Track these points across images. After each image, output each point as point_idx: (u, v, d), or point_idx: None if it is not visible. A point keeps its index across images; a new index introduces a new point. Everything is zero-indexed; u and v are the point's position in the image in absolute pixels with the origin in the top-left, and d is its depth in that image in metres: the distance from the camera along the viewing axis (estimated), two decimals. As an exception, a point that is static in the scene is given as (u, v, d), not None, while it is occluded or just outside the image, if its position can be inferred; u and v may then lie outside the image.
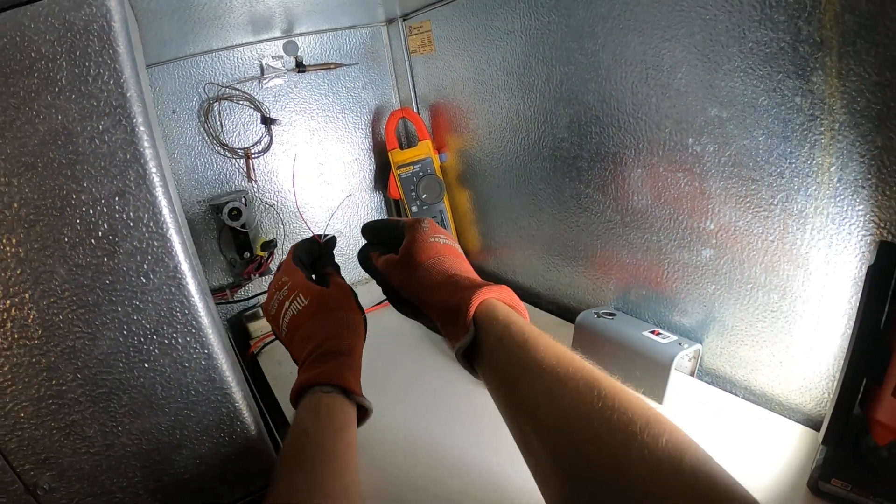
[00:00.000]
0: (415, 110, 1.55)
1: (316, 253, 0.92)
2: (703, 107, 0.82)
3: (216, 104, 1.38)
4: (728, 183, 0.82)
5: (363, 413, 0.70)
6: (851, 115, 0.66)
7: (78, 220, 0.58)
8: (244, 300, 1.49)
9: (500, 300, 0.66)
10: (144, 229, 0.60)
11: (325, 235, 0.93)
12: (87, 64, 0.56)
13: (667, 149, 0.90)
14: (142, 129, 0.59)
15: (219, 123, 1.39)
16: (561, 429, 0.51)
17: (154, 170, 0.60)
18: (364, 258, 0.86)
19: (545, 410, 0.53)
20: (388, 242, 0.84)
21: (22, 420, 0.59)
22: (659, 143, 0.91)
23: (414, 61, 1.51)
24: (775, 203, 0.77)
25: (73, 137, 0.56)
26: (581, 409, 0.50)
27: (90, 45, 0.56)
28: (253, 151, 1.44)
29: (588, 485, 0.47)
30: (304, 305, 0.77)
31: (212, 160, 1.42)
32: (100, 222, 0.58)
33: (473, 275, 0.74)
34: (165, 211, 0.61)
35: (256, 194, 1.47)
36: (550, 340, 0.59)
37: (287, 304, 0.79)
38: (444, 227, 1.48)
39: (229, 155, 1.42)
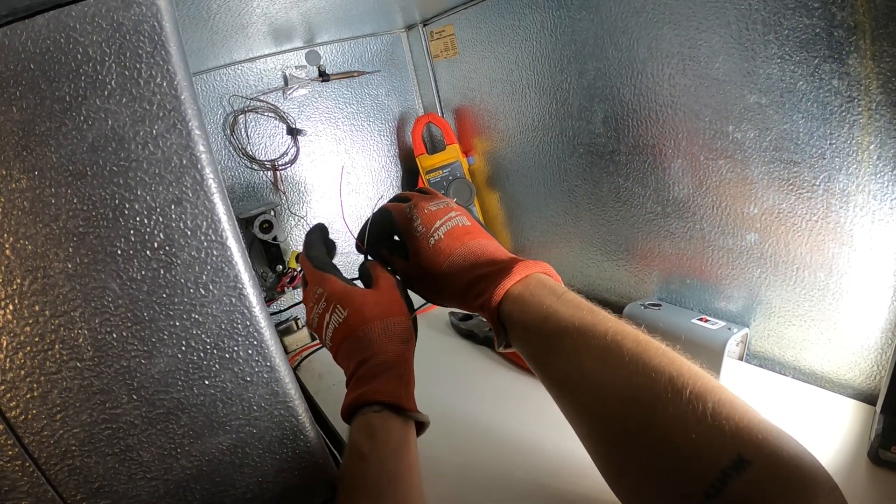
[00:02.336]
0: (440, 115, 1.59)
1: (331, 243, 0.89)
2: (741, 94, 0.86)
3: (241, 117, 1.42)
4: (770, 167, 0.86)
5: (420, 426, 0.69)
6: (887, 94, 0.70)
7: (132, 231, 0.55)
8: (277, 313, 1.52)
9: (520, 280, 0.68)
10: (203, 238, 0.57)
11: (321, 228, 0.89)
12: (137, 66, 0.54)
13: (707, 137, 0.93)
14: (197, 132, 0.57)
15: (245, 136, 1.43)
16: (594, 401, 0.57)
17: (211, 175, 0.58)
18: (375, 255, 0.86)
19: (577, 387, 0.59)
20: (390, 237, 0.86)
21: (73, 448, 0.57)
22: (699, 132, 0.94)
23: (437, 66, 1.55)
24: (818, 183, 0.81)
25: (124, 143, 0.54)
26: (608, 380, 0.55)
27: (141, 46, 0.54)
28: (280, 163, 1.49)
29: (624, 444, 0.53)
30: (344, 317, 0.72)
31: (239, 173, 1.45)
32: (156, 232, 0.55)
33: (486, 253, 0.75)
34: (224, 218, 0.58)
35: (285, 206, 1.51)
36: (570, 306, 0.62)
37: (328, 317, 0.74)
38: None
39: (256, 167, 1.47)
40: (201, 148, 0.57)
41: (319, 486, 0.72)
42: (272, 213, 1.42)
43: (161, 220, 0.56)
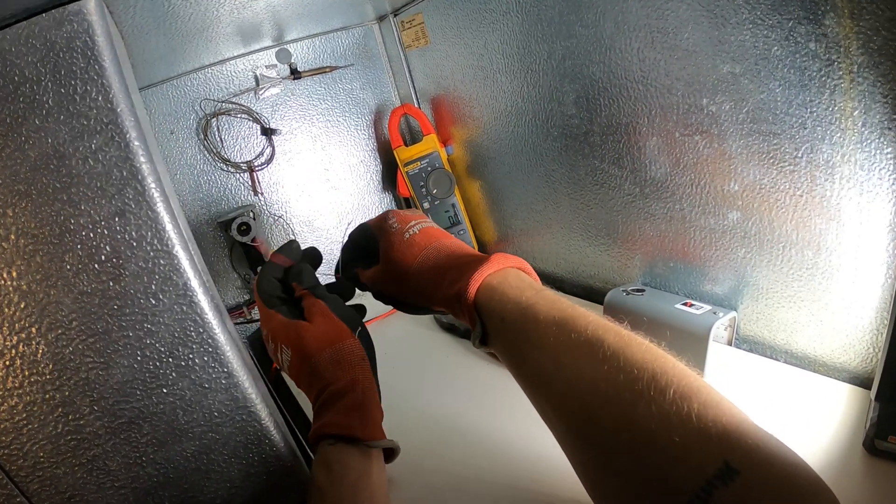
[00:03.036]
0: (416, 105, 1.55)
1: (285, 274, 0.80)
2: (714, 64, 0.81)
3: (214, 120, 1.38)
4: (748, 140, 0.81)
5: (389, 452, 0.68)
6: (869, 54, 0.65)
7: (79, 246, 0.57)
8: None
9: (498, 270, 0.64)
10: (149, 248, 0.59)
11: (284, 247, 0.83)
12: (73, 82, 0.55)
13: (681, 112, 0.89)
14: (136, 143, 0.58)
15: (218, 139, 1.40)
16: (571, 396, 0.52)
17: (153, 185, 0.59)
18: (350, 276, 0.82)
19: (554, 381, 0.54)
20: (365, 252, 0.81)
21: (42, 459, 0.58)
22: (672, 107, 0.90)
23: (410, 56, 1.50)
24: (800, 155, 0.76)
25: (65, 160, 0.56)
26: (587, 375, 0.51)
27: (75, 63, 0.55)
28: (256, 164, 1.45)
29: (601, 445, 0.49)
30: (291, 356, 0.70)
31: (215, 177, 1.42)
32: (102, 245, 0.57)
33: (462, 249, 0.72)
34: (169, 227, 0.60)
35: (264, 207, 1.48)
36: (549, 301, 0.58)
37: (279, 356, 0.72)
38: (458, 220, 1.49)
39: (232, 170, 1.43)
40: (141, 159, 0.58)
41: (292, 488, 0.72)
42: (251, 214, 1.38)
43: (106, 233, 0.57)
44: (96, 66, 0.56)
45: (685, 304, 0.95)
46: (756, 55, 0.75)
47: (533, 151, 1.24)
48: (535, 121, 1.19)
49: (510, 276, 0.63)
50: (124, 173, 0.57)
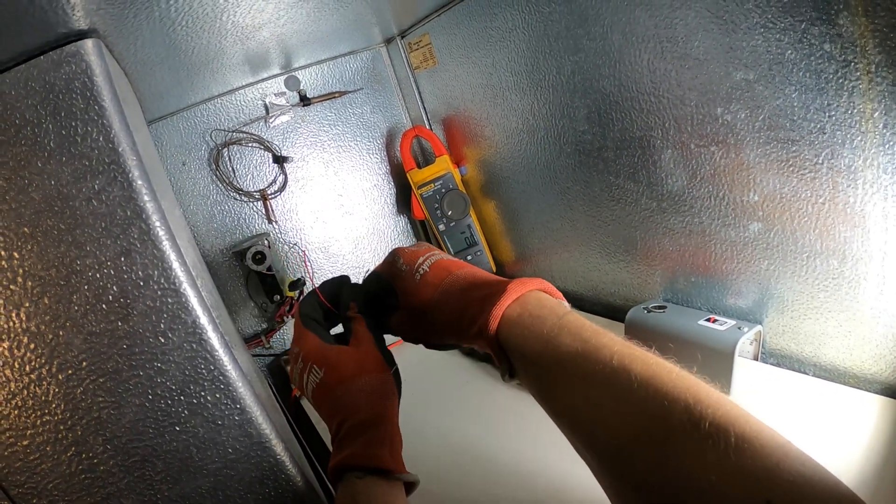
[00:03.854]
0: (427, 127, 1.55)
1: (338, 291, 0.81)
2: (726, 72, 0.80)
3: (225, 150, 1.39)
4: (766, 149, 0.80)
5: (409, 485, 0.66)
6: (887, 53, 0.63)
7: (86, 286, 0.57)
8: (281, 347, 1.49)
9: (517, 299, 0.62)
10: (156, 287, 0.59)
11: (333, 279, 0.83)
12: (73, 124, 0.56)
13: (695, 123, 0.87)
14: (139, 182, 0.58)
15: (230, 169, 1.41)
16: (600, 433, 0.50)
17: (158, 223, 0.59)
18: (379, 325, 0.79)
19: (582, 417, 0.52)
20: (385, 301, 0.79)
21: (56, 498, 0.58)
22: (686, 118, 0.88)
23: (419, 77, 1.50)
24: (820, 161, 0.74)
25: (69, 201, 0.56)
26: (616, 410, 0.48)
27: (74, 104, 0.56)
28: (269, 192, 1.45)
29: (634, 483, 0.46)
30: (321, 378, 0.69)
31: (229, 206, 1.43)
32: (108, 286, 0.57)
33: (478, 277, 0.70)
34: (175, 265, 0.60)
35: (279, 235, 1.48)
36: (572, 330, 0.56)
37: (305, 377, 0.71)
38: (475, 241, 1.48)
39: (246, 199, 1.43)
40: (145, 198, 0.58)
41: None
42: (265, 243, 1.38)
43: (112, 273, 0.57)
44: (96, 107, 0.56)
45: (709, 320, 0.93)
46: (769, 60, 0.74)
47: (547, 169, 1.23)
48: (548, 138, 1.18)
49: (530, 304, 0.61)
50: (128, 213, 0.57)
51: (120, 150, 0.57)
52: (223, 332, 0.66)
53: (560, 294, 0.64)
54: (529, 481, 0.83)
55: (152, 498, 0.62)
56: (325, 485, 0.79)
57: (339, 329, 0.78)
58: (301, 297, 0.80)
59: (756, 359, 0.94)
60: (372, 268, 0.83)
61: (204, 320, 0.61)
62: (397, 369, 0.73)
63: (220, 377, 0.62)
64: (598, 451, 0.50)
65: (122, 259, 0.57)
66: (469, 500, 0.83)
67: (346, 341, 0.73)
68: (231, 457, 0.64)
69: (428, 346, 0.75)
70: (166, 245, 0.59)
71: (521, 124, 1.24)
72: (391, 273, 0.77)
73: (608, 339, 0.53)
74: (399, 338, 0.77)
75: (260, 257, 1.36)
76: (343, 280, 0.82)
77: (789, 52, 0.72)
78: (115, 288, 0.57)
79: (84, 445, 0.58)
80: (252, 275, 1.41)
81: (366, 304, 0.78)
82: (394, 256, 0.77)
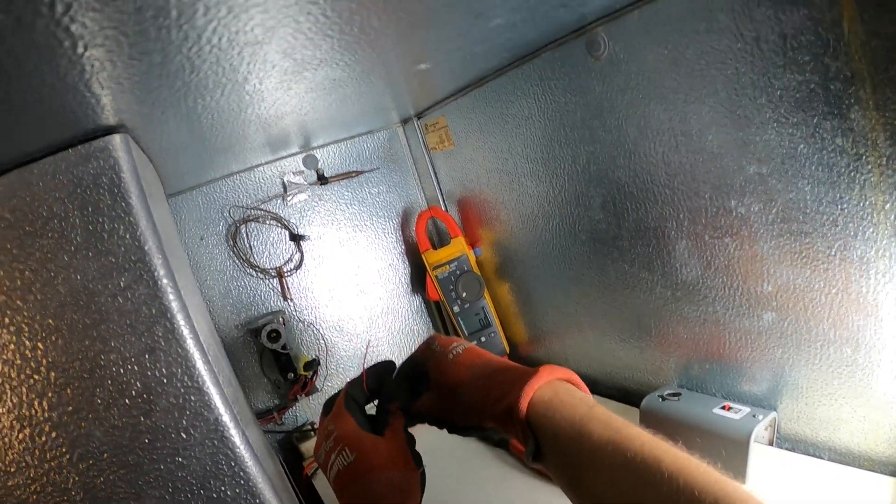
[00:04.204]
0: (443, 208, 1.57)
1: (382, 385, 0.83)
2: (740, 166, 0.82)
3: (243, 226, 1.42)
4: (780, 241, 0.81)
5: None
6: None
7: (109, 381, 0.57)
8: (294, 424, 1.48)
9: (548, 383, 0.63)
10: (179, 385, 0.59)
11: (380, 364, 0.85)
12: (100, 219, 0.57)
13: (709, 215, 0.89)
14: (164, 281, 0.59)
15: (248, 245, 1.43)
16: None
17: (182, 322, 0.60)
18: (406, 413, 0.80)
19: (610, 502, 0.53)
20: (415, 383, 0.80)
21: None
22: (700, 210, 0.90)
23: (435, 158, 1.54)
24: (833, 253, 0.76)
25: (94, 297, 0.57)
26: (645, 498, 0.49)
27: (101, 200, 0.57)
28: (285, 270, 1.47)
29: None
30: (350, 462, 0.69)
31: (245, 283, 1.44)
32: (132, 381, 0.58)
33: (508, 363, 0.72)
34: (199, 363, 0.60)
35: (294, 313, 1.49)
36: (602, 419, 0.57)
37: (333, 456, 0.71)
38: (489, 322, 1.49)
39: (262, 276, 1.45)
40: (170, 296, 0.59)
41: None
42: (280, 320, 1.39)
43: (136, 369, 0.58)
44: (123, 204, 0.58)
45: (723, 408, 0.93)
46: (782, 154, 0.76)
47: (561, 255, 1.24)
48: (563, 225, 1.20)
49: (561, 390, 0.62)
50: (153, 311, 0.58)
51: (146, 248, 0.58)
52: (244, 427, 0.67)
53: (586, 388, 0.66)
54: None
55: None
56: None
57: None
58: (353, 379, 0.81)
59: (771, 444, 0.94)
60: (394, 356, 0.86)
61: (226, 418, 0.62)
62: (424, 471, 0.74)
63: (241, 473, 0.63)
64: None
65: (147, 356, 0.58)
66: None
67: (377, 429, 0.74)
68: None
69: (451, 429, 0.76)
70: (190, 344, 0.60)
71: (536, 210, 1.25)
72: (425, 354, 0.78)
73: (636, 430, 0.55)
74: (424, 422, 0.78)
75: (275, 335, 1.37)
76: (388, 368, 0.83)
77: (802, 146, 0.74)
78: (138, 384, 0.58)
79: None
80: (266, 352, 1.41)
81: (403, 399, 0.79)
82: (430, 340, 0.80)
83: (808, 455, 0.90)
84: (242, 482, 0.63)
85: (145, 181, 0.65)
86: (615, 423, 0.56)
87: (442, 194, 1.58)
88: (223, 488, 0.62)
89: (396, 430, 0.74)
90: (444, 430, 0.76)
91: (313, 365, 1.43)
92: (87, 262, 0.56)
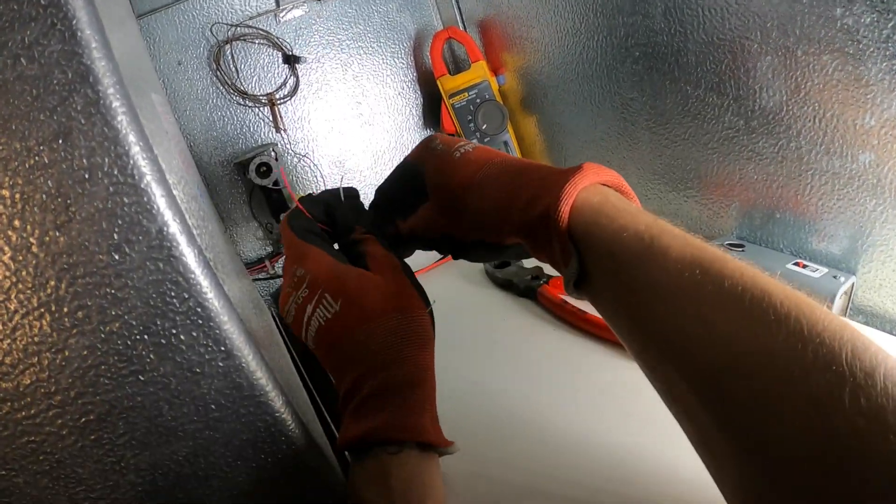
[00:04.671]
0: (462, 28, 1.41)
1: (331, 212, 0.65)
2: None
3: (228, 47, 1.26)
4: (893, 63, 0.67)
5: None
6: None
7: (9, 181, 0.43)
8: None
9: (595, 185, 0.47)
10: (107, 181, 0.44)
11: (329, 191, 0.67)
12: None
13: (806, 26, 0.74)
14: (87, 32, 0.42)
15: (233, 69, 1.27)
16: (728, 372, 0.36)
17: (111, 90, 0.43)
18: (386, 236, 0.64)
19: (700, 346, 0.38)
20: (404, 198, 0.64)
21: None
22: (794, 18, 0.75)
23: (454, -31, 1.36)
24: None
25: None
26: (756, 341, 0.35)
27: None
28: (277, 96, 1.32)
29: (776, 448, 0.34)
30: (335, 312, 0.54)
31: (231, 112, 1.30)
32: (41, 181, 0.43)
33: (534, 163, 0.54)
34: (135, 149, 0.44)
35: (287, 145, 1.36)
36: (679, 235, 0.42)
37: (310, 309, 0.55)
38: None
39: (250, 104, 1.31)
40: (94, 54, 0.42)
41: (316, 493, 0.59)
42: (272, 154, 1.25)
43: (46, 161, 0.42)
44: None
45: (797, 265, 0.83)
46: None
47: (606, 77, 1.09)
48: (611, 39, 1.04)
49: (611, 196, 0.47)
50: (69, 75, 0.42)
51: None
52: (204, 246, 0.51)
53: (638, 201, 0.50)
54: (581, 443, 0.73)
55: (114, 466, 0.50)
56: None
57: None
58: (291, 209, 0.64)
59: (844, 314, 0.84)
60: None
61: (174, 228, 0.46)
62: (432, 309, 0.58)
63: (198, 309, 0.48)
64: (721, 398, 0.37)
65: (60, 142, 0.43)
66: (508, 465, 0.72)
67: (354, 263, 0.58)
68: (214, 415, 0.51)
69: (457, 252, 0.61)
70: (122, 122, 0.44)
71: (578, 23, 1.09)
72: (422, 157, 0.62)
73: (724, 253, 0.40)
74: (418, 247, 0.63)
75: (265, 170, 1.24)
76: (331, 196, 0.66)
77: None
78: (49, 183, 0.43)
79: (21, 402, 0.46)
80: (256, 190, 1.30)
81: (377, 226, 0.63)
82: (429, 140, 0.63)
83: (886, 332, 0.80)
84: (200, 322, 0.48)
85: None
86: (695, 240, 0.41)
87: (461, 14, 1.41)
88: (174, 331, 0.48)
89: (381, 259, 0.58)
90: (449, 258, 0.60)
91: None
92: (-23, 15, 0.42)
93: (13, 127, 0.42)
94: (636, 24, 0.97)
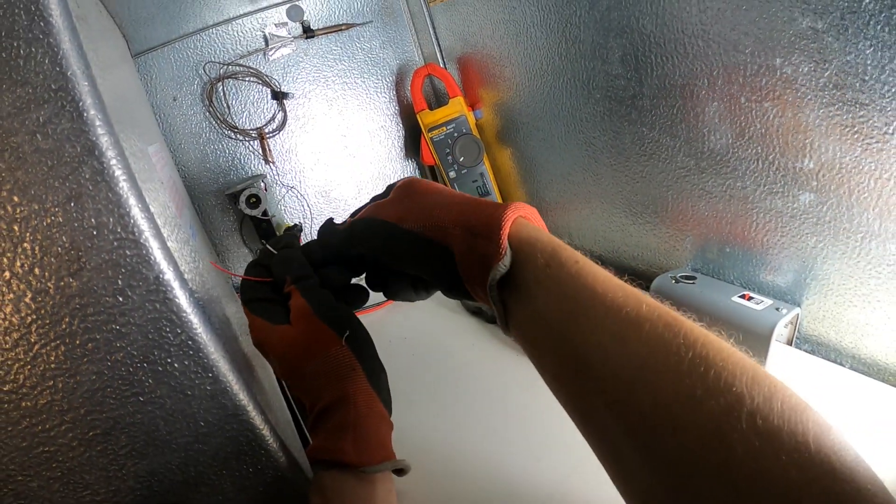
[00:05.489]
0: (441, 65, 1.44)
1: (270, 268, 0.68)
2: (791, 17, 0.69)
3: (220, 84, 1.29)
4: (829, 110, 0.70)
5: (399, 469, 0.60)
6: None
7: (30, 236, 0.48)
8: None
9: (531, 220, 0.52)
10: (111, 237, 0.50)
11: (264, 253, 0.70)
12: (14, 44, 0.46)
13: (748, 74, 0.77)
14: (91, 112, 0.48)
15: (225, 105, 1.31)
16: (639, 386, 0.39)
17: (114, 161, 0.49)
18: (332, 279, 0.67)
19: (615, 361, 0.41)
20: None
21: (13, 471, 0.52)
22: (738, 67, 0.78)
23: (434, 11, 1.39)
24: (891, 132, 0.65)
25: (9, 136, 0.47)
26: (665, 361, 0.38)
27: (17, 21, 0.46)
28: (267, 131, 1.36)
29: (677, 461, 0.36)
30: (276, 368, 0.63)
31: (223, 146, 1.34)
32: (56, 236, 0.48)
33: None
34: (135, 211, 0.50)
35: (276, 177, 1.39)
36: (608, 272, 0.45)
37: (272, 365, 0.65)
38: (488, 191, 1.39)
39: (241, 137, 1.34)
40: (98, 131, 0.48)
41: (292, 499, 0.64)
42: (262, 185, 1.29)
43: (61, 220, 0.48)
44: (41, 24, 0.47)
45: (743, 297, 0.86)
46: (843, 8, 0.65)
47: (571, 116, 1.13)
48: (575, 81, 1.07)
49: (542, 231, 0.50)
50: (78, 149, 0.48)
51: (69, 74, 0.48)
52: (195, 287, 0.57)
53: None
54: (542, 459, 0.76)
55: (117, 473, 0.55)
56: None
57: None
58: (243, 278, 0.68)
59: (790, 343, 0.88)
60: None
61: (169, 276, 0.52)
62: (356, 329, 0.63)
63: (189, 342, 0.54)
64: (632, 412, 0.39)
65: (72, 204, 0.48)
66: (473, 482, 0.76)
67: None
68: (203, 430, 0.57)
69: (387, 289, 0.66)
70: (123, 187, 0.50)
71: (545, 65, 1.13)
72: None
73: (638, 291, 0.43)
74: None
75: (255, 201, 1.27)
76: (273, 249, 0.70)
77: (867, 0, 0.62)
78: (64, 238, 0.49)
79: (38, 417, 0.51)
80: (246, 219, 1.33)
81: (324, 259, 0.67)
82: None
83: (829, 360, 0.84)
84: (191, 353, 0.54)
85: (87, 14, 0.54)
86: (618, 279, 0.45)
87: (441, 51, 1.44)
88: (169, 360, 0.54)
89: (296, 309, 0.62)
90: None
91: (295, 231, 1.35)
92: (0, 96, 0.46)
93: (32, 192, 0.47)
94: (596, 68, 1.01)
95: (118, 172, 0.49)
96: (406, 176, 0.65)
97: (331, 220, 0.69)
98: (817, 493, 0.31)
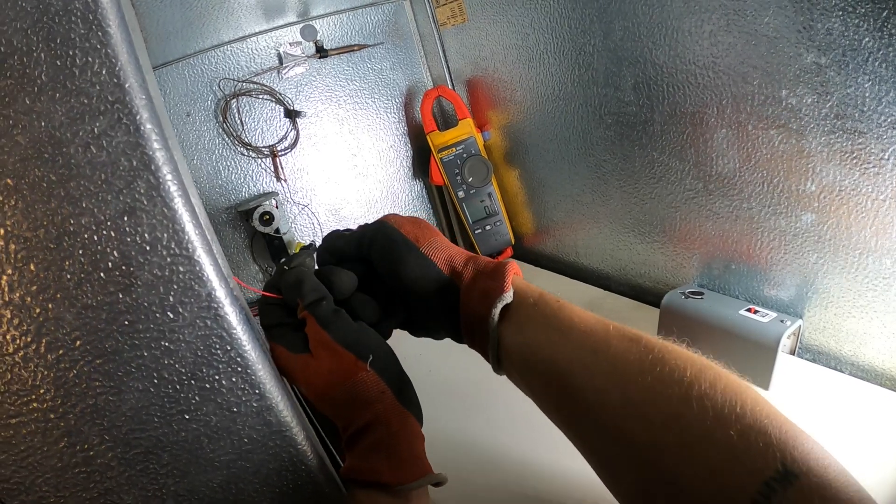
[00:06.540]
0: (450, 87, 1.50)
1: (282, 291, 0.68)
2: (797, 53, 0.76)
3: (234, 101, 1.34)
4: (830, 138, 0.77)
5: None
6: None
7: (80, 251, 0.48)
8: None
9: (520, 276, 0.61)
10: (165, 253, 0.50)
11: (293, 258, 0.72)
12: (70, 53, 0.47)
13: (756, 103, 0.84)
14: (148, 126, 0.49)
15: (239, 122, 1.35)
16: (610, 387, 0.49)
17: (169, 176, 0.50)
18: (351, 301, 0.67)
19: (591, 370, 0.50)
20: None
21: (47, 494, 0.52)
22: (746, 97, 0.85)
23: (444, 34, 1.45)
24: (886, 157, 0.72)
25: (62, 147, 0.47)
26: (630, 365, 0.48)
27: (73, 30, 0.47)
28: (279, 148, 1.40)
29: (645, 446, 0.45)
30: (303, 392, 0.63)
31: (235, 162, 1.38)
32: (108, 250, 0.49)
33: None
34: (189, 227, 0.51)
35: (288, 194, 1.43)
36: (582, 309, 0.56)
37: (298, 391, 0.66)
38: (495, 210, 1.44)
39: (254, 155, 1.38)
40: (155, 145, 0.49)
41: None
42: (274, 203, 1.33)
43: (113, 234, 0.49)
44: (99, 33, 0.47)
45: (749, 311, 0.92)
46: (844, 46, 0.71)
47: (582, 140, 1.18)
48: (587, 107, 1.13)
49: (529, 283, 0.60)
50: (134, 163, 0.49)
51: (126, 86, 0.48)
52: (242, 305, 0.58)
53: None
54: (540, 478, 0.81)
55: (157, 493, 0.55)
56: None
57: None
58: (261, 303, 0.69)
59: (793, 353, 0.93)
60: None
61: (221, 293, 0.53)
62: (376, 353, 0.62)
63: (238, 359, 0.55)
64: (607, 409, 0.49)
65: (126, 218, 0.49)
66: (502, 494, 0.80)
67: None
68: (246, 447, 0.58)
69: (412, 325, 0.70)
70: (178, 203, 0.50)
71: (557, 90, 1.19)
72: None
73: (606, 320, 0.54)
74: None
75: (268, 218, 1.32)
76: (282, 271, 0.69)
77: (867, 39, 0.69)
78: (115, 253, 0.49)
79: (78, 436, 0.51)
80: (258, 236, 1.37)
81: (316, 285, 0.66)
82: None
83: (830, 368, 0.89)
84: (239, 369, 0.55)
85: (129, 22, 0.53)
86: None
87: (450, 73, 1.50)
88: (217, 377, 0.55)
89: (314, 337, 0.62)
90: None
91: (310, 251, 1.38)
92: (53, 105, 0.47)
93: (84, 204, 0.48)
94: (609, 95, 1.07)
95: (173, 188, 0.50)
96: (388, 214, 0.64)
97: (337, 229, 0.71)
98: (754, 446, 0.39)
